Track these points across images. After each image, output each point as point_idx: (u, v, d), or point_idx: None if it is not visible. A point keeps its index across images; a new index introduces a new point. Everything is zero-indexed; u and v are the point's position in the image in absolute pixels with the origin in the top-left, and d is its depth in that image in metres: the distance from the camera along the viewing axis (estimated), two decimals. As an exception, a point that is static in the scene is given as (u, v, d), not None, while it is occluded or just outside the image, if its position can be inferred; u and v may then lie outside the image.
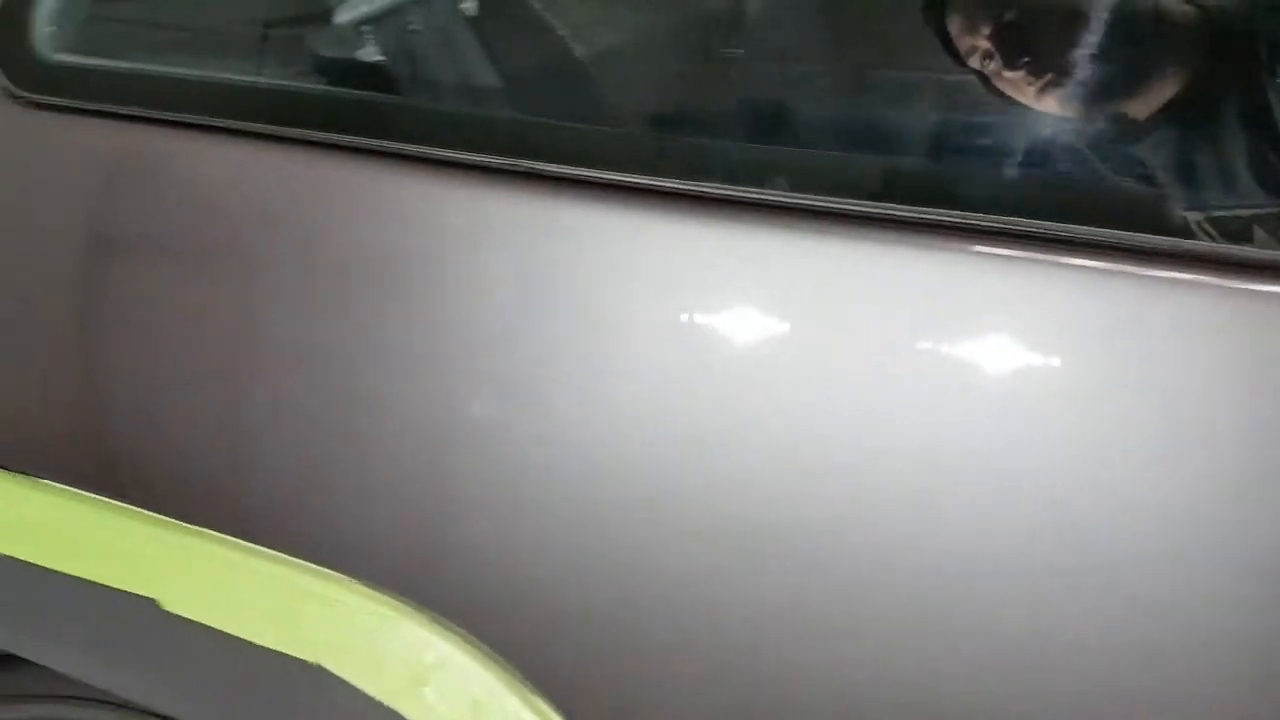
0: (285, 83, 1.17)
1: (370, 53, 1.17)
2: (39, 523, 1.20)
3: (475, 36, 1.14)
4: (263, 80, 1.16)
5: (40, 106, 1.15)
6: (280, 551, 1.12)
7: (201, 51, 1.22)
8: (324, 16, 1.17)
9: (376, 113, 1.13)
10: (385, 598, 1.09)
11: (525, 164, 1.00)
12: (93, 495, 1.19)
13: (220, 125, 1.09)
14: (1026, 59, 1.16)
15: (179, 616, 1.15)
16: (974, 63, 1.21)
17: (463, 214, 1.03)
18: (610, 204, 0.99)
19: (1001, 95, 1.18)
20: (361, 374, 1.05)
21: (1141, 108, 1.17)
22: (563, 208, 1.01)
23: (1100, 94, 1.16)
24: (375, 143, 1.06)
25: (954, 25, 1.24)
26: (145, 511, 1.17)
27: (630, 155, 1.03)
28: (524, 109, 1.13)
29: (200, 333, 1.11)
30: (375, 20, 1.16)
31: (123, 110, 1.13)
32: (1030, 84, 1.16)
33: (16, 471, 1.22)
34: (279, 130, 1.09)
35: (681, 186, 0.95)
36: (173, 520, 1.16)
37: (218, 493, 1.15)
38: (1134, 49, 1.16)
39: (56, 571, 1.20)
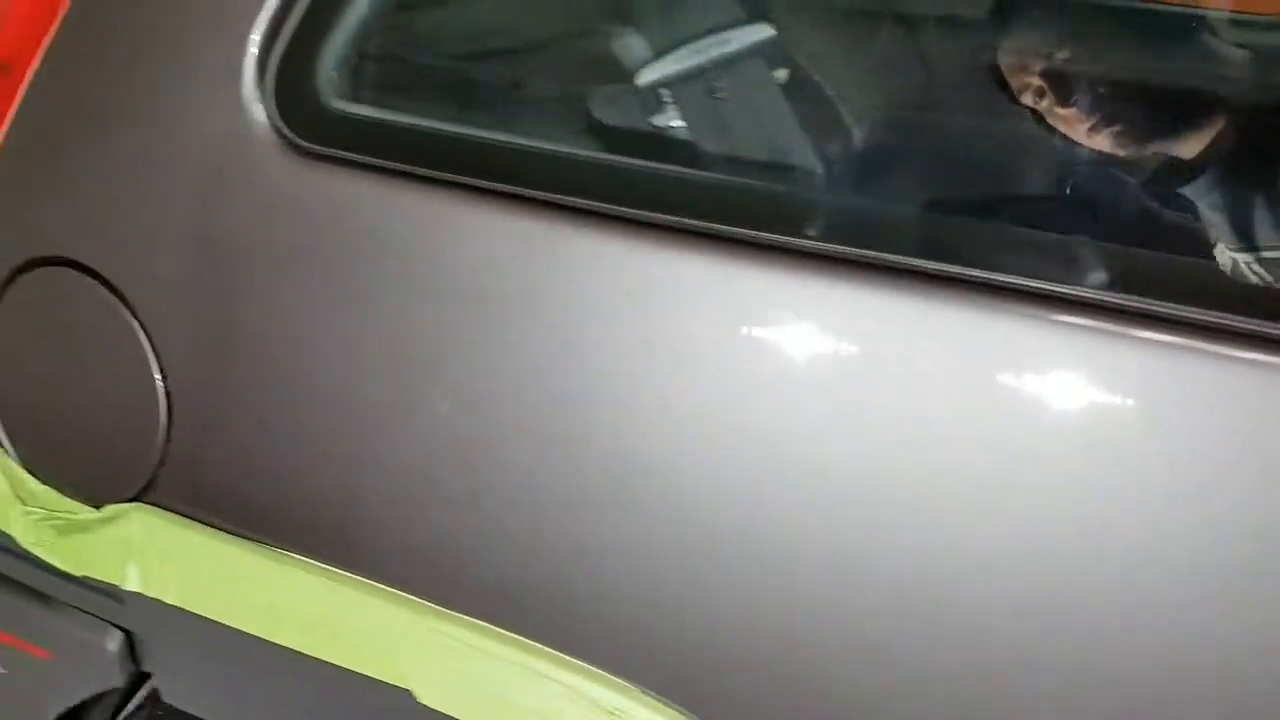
0: (573, 149, 1.09)
1: (668, 119, 1.10)
2: (288, 601, 1.12)
3: (787, 108, 1.06)
4: (548, 145, 1.08)
5: (321, 158, 1.07)
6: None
7: (490, 106, 1.14)
8: (622, 77, 1.09)
9: (678, 186, 1.05)
10: (673, 711, 1.01)
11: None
12: (343, 573, 1.11)
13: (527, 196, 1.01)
14: (1077, 97, 1.15)
15: (437, 712, 1.07)
16: (1026, 100, 1.19)
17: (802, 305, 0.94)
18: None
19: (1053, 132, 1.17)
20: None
21: (1191, 148, 1.15)
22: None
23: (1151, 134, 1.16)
24: (673, 219, 0.98)
25: (1005, 62, 1.22)
26: (404, 594, 1.09)
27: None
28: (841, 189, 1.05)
29: (485, 410, 1.03)
30: (677, 84, 1.09)
31: (409, 169, 1.05)
32: (1081, 121, 1.15)
33: (258, 540, 1.15)
34: (564, 200, 1.01)
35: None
36: (432, 605, 1.08)
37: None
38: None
39: (295, 651, 1.13)
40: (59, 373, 1.23)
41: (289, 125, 1.08)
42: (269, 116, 1.08)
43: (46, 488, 1.26)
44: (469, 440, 1.04)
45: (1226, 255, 1.15)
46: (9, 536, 1.27)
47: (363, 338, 1.07)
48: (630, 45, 1.10)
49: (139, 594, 1.19)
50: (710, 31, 1.07)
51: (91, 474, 1.23)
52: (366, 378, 1.08)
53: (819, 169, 1.07)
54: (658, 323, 0.96)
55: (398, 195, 1.05)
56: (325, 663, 1.12)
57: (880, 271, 0.90)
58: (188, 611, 1.17)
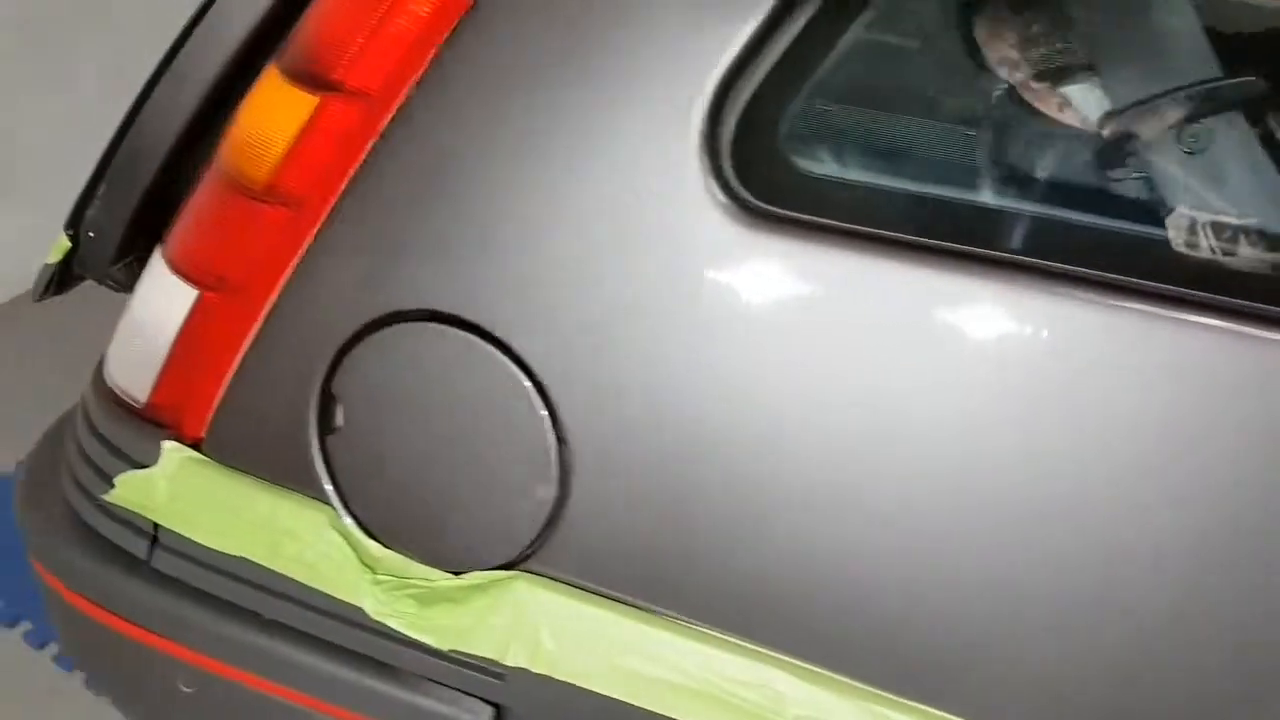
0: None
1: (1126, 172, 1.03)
2: (705, 680, 1.06)
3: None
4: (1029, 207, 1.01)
5: (781, 222, 0.98)
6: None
7: (964, 171, 1.05)
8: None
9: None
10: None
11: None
12: (770, 652, 1.05)
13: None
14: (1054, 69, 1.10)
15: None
16: (1002, 74, 1.15)
17: None
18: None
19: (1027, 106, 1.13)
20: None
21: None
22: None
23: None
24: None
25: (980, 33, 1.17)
26: (837, 675, 1.04)
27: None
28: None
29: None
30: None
31: (884, 235, 0.97)
32: (1054, 95, 1.11)
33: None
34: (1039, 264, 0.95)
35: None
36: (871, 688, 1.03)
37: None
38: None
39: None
40: (417, 432, 1.12)
41: (745, 185, 0.98)
42: (720, 174, 0.98)
43: (390, 552, 1.16)
44: (922, 533, 0.99)
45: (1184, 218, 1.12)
46: (342, 604, 1.17)
47: (819, 420, 1.00)
48: (1094, 94, 1.02)
49: (522, 669, 1.11)
50: (1192, 83, 1.01)
51: (453, 539, 1.14)
52: (809, 459, 1.01)
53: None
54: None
55: (871, 265, 0.97)
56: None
57: None
58: (581, 688, 1.10)
